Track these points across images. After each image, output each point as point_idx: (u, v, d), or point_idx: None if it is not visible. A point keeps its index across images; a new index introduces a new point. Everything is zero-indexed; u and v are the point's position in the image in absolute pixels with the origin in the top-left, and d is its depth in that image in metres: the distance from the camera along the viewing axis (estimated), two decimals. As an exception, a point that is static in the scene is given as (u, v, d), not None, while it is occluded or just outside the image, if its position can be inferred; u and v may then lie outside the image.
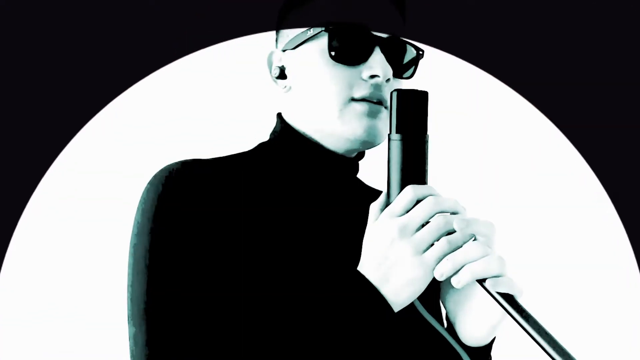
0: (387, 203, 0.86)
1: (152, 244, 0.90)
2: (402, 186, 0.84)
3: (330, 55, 0.97)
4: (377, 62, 0.96)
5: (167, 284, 0.88)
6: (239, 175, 0.98)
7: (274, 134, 1.06)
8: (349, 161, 1.02)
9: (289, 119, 1.05)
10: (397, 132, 0.84)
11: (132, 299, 0.91)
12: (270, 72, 1.07)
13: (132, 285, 0.91)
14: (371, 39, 0.97)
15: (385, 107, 0.98)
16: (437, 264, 0.82)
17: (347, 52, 0.97)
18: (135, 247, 0.92)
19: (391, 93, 0.85)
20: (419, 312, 0.89)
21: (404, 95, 0.84)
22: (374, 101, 0.97)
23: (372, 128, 0.97)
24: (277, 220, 0.96)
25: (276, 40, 1.08)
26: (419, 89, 0.85)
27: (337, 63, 0.97)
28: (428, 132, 0.85)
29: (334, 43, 0.97)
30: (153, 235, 0.91)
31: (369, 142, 0.99)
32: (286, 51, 1.03)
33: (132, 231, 0.94)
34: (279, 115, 1.07)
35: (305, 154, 1.02)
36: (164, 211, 0.91)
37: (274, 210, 0.96)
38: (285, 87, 1.04)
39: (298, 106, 1.03)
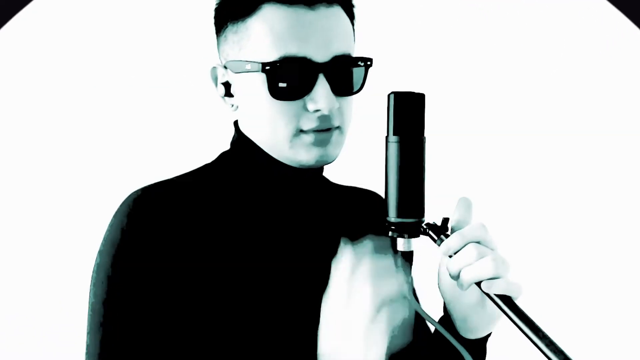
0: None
1: (108, 299, 0.91)
2: (400, 188, 0.84)
3: (271, 95, 0.94)
4: (321, 95, 0.93)
5: (120, 345, 0.90)
6: (205, 196, 0.98)
7: (233, 143, 1.05)
8: (316, 170, 1.02)
9: (243, 129, 1.03)
10: (394, 135, 0.84)
11: (88, 354, 0.93)
12: (216, 89, 1.03)
13: (88, 344, 0.94)
14: (312, 69, 0.93)
15: (337, 128, 0.97)
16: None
17: (288, 89, 0.94)
18: (94, 294, 0.93)
19: (388, 95, 0.85)
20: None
21: (400, 98, 0.84)
22: (323, 129, 0.96)
23: (322, 156, 0.97)
24: (250, 243, 0.96)
25: (218, 51, 1.04)
26: (416, 91, 0.85)
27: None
28: (425, 134, 0.86)
29: (272, 84, 0.93)
30: (110, 288, 0.92)
31: (321, 165, 0.99)
32: (228, 70, 1.00)
33: (94, 267, 0.95)
34: (236, 123, 1.05)
35: (265, 164, 1.01)
36: (121, 261, 0.92)
37: (245, 235, 0.97)
38: (232, 105, 1.02)
39: (249, 125, 1.01)
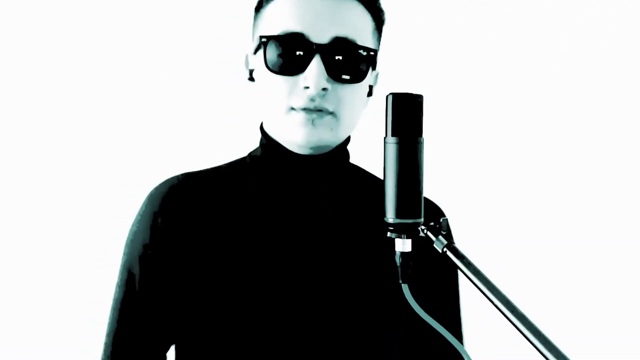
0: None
1: (128, 279, 1.03)
2: (398, 189, 0.85)
3: (267, 66, 0.99)
4: (312, 74, 0.96)
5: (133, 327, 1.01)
6: (229, 192, 1.04)
7: (260, 140, 1.09)
8: (324, 157, 1.04)
9: (263, 121, 1.08)
10: (392, 136, 0.85)
11: (108, 324, 1.04)
12: (247, 74, 1.10)
13: (112, 310, 1.04)
14: (309, 48, 0.97)
15: (330, 113, 0.99)
16: None
17: (283, 64, 0.98)
18: (123, 270, 1.05)
19: (386, 97, 0.85)
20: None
21: (398, 99, 0.85)
22: (312, 109, 0.98)
23: (311, 136, 0.99)
24: (265, 238, 1.01)
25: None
26: (414, 92, 0.86)
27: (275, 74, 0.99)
28: (423, 135, 0.86)
29: (269, 56, 0.98)
30: (126, 269, 1.04)
31: (314, 148, 1.01)
32: (250, 55, 1.07)
33: (125, 249, 1.05)
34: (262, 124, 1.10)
35: (279, 155, 1.04)
36: (155, 238, 1.02)
37: (258, 231, 1.01)
38: (254, 89, 1.07)
39: (261, 109, 1.06)
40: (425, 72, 2.06)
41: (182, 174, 1.06)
